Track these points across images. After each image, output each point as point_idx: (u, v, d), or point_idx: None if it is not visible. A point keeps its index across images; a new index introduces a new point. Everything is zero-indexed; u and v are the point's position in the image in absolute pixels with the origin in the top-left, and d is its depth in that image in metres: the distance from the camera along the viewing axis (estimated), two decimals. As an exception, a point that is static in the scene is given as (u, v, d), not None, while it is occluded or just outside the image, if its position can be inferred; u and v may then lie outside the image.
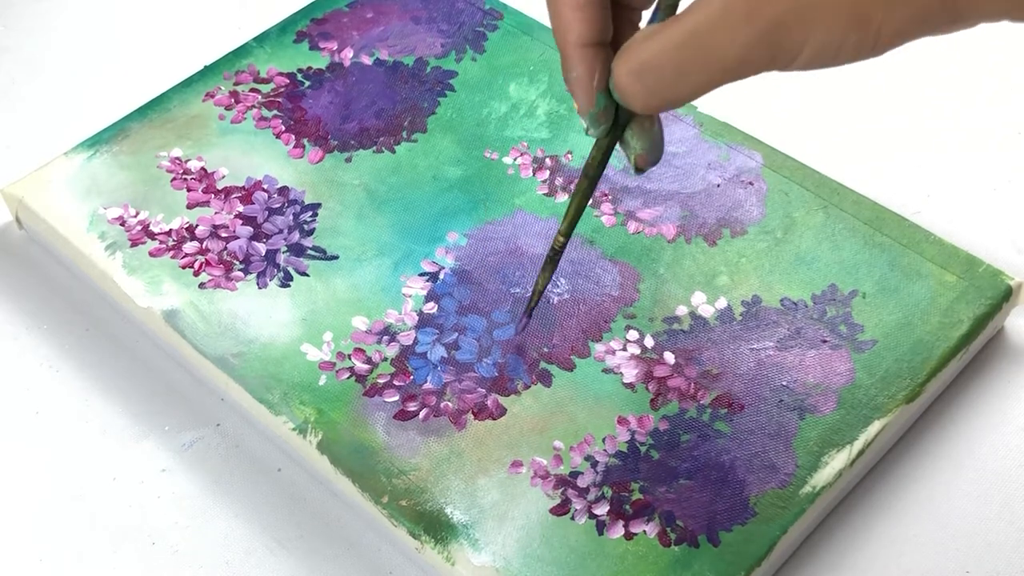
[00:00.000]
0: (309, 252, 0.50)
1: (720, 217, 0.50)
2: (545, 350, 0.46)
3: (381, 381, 0.45)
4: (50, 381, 0.49)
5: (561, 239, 0.42)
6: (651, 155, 0.37)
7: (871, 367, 0.45)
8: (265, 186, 0.52)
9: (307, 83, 0.57)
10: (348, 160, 0.53)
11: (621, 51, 0.34)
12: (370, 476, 0.42)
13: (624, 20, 0.37)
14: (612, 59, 0.35)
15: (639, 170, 0.38)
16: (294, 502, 0.45)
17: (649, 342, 0.46)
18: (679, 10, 0.33)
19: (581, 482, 0.42)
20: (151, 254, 0.50)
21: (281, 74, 0.57)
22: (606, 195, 0.51)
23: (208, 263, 0.49)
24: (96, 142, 0.54)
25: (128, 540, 0.44)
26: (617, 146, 0.38)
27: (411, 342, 0.46)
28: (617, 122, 0.37)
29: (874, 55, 0.31)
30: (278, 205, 0.51)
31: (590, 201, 0.50)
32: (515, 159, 0.53)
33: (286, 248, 0.50)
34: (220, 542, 0.44)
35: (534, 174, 0.52)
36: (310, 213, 0.51)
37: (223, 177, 0.53)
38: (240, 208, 0.51)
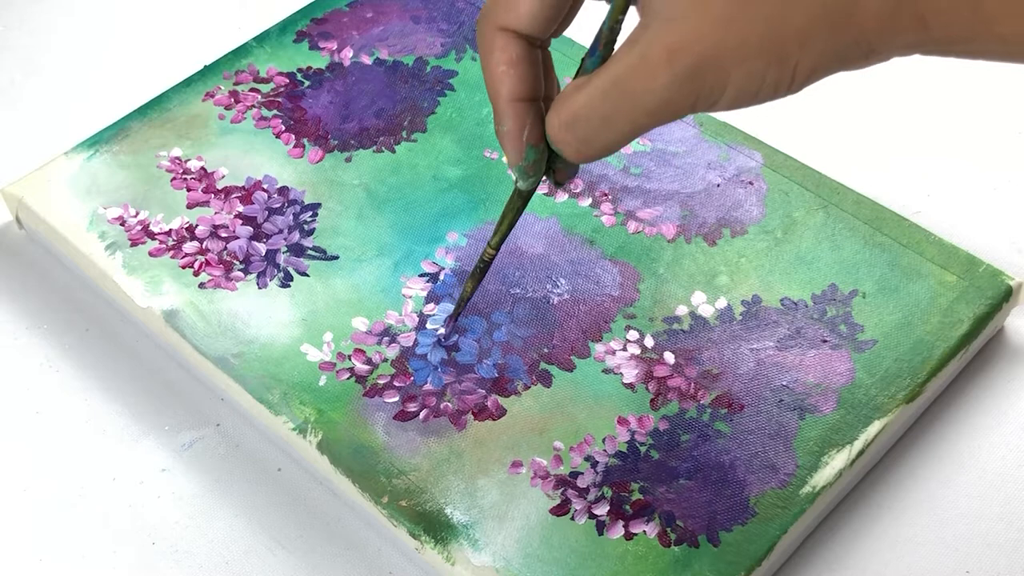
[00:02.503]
0: (309, 252, 0.50)
1: (720, 217, 0.50)
2: (545, 350, 0.46)
3: (381, 382, 0.45)
4: (50, 381, 0.49)
5: (491, 251, 0.43)
6: (571, 171, 0.39)
7: (871, 367, 0.45)
8: (265, 186, 0.52)
9: (307, 83, 0.57)
10: (348, 160, 0.53)
11: (553, 104, 0.35)
12: (370, 476, 0.42)
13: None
14: (542, 113, 0.36)
15: (559, 184, 0.39)
16: (294, 502, 0.45)
17: (649, 342, 0.46)
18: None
19: (581, 482, 0.42)
20: (151, 254, 0.50)
21: (281, 74, 0.57)
22: (606, 195, 0.51)
23: (208, 263, 0.49)
24: (96, 142, 0.54)
25: (128, 540, 0.44)
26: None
27: (411, 343, 0.46)
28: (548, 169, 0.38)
29: (791, 93, 0.32)
30: (278, 205, 0.51)
31: (588, 201, 0.50)
32: (515, 159, 0.53)
33: (286, 248, 0.50)
34: (220, 542, 0.44)
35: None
36: (310, 213, 0.51)
37: (223, 177, 0.53)
38: (240, 208, 0.51)
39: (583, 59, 0.35)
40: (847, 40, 0.31)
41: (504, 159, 0.38)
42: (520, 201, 0.41)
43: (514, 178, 0.38)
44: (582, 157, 0.35)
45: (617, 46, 0.34)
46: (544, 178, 0.39)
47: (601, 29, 0.34)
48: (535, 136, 0.37)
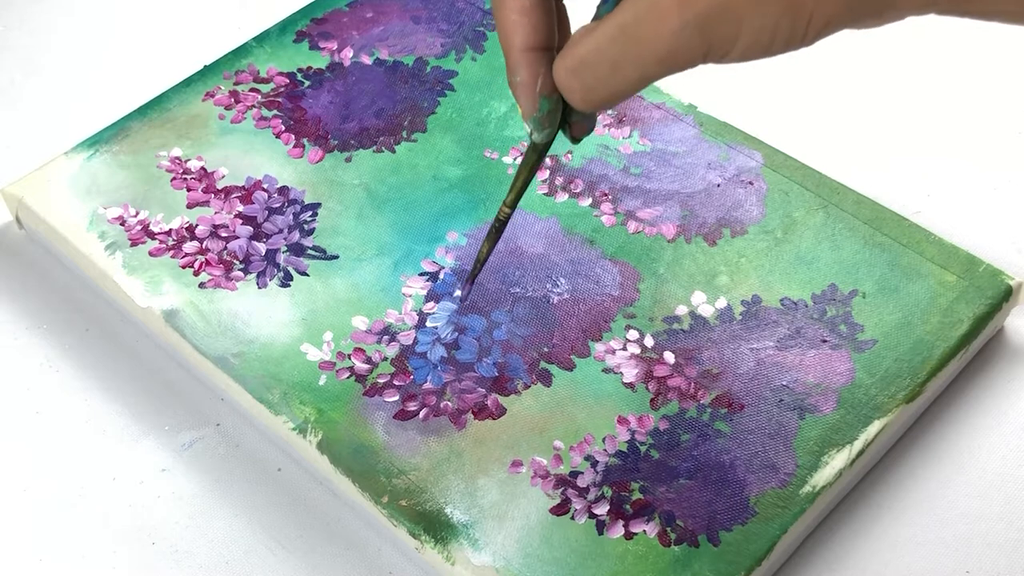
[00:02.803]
0: (309, 252, 0.50)
1: (720, 217, 0.50)
2: (545, 350, 0.46)
3: (381, 381, 0.45)
4: (50, 381, 0.49)
5: (507, 210, 0.42)
6: (589, 124, 0.38)
7: (871, 367, 0.45)
8: (265, 186, 0.52)
9: (307, 83, 0.57)
10: (348, 160, 0.53)
11: (562, 50, 0.34)
12: (370, 476, 0.42)
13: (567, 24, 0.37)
14: (552, 61, 0.35)
15: (575, 139, 0.38)
16: (294, 502, 0.45)
17: (649, 342, 0.46)
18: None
19: (581, 482, 0.42)
20: (151, 254, 0.50)
21: (281, 74, 0.57)
22: (606, 195, 0.51)
23: (208, 263, 0.49)
24: (96, 142, 0.54)
25: (128, 540, 0.44)
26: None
27: (411, 342, 0.46)
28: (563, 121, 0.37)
29: (804, 45, 0.31)
30: (278, 205, 0.51)
31: (588, 201, 0.50)
32: (515, 159, 0.53)
33: (286, 248, 0.50)
34: (220, 542, 0.44)
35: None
36: (310, 213, 0.51)
37: (223, 177, 0.53)
38: (240, 208, 0.51)
39: (598, 6, 0.35)
40: None
41: (519, 111, 0.37)
42: (535, 155, 0.39)
43: (528, 130, 0.37)
44: (588, 104, 0.34)
45: None
46: (560, 132, 0.38)
47: None
48: (548, 86, 0.36)
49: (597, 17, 0.34)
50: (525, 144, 0.53)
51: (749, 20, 0.30)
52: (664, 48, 0.31)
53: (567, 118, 0.37)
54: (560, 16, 0.37)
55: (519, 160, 0.52)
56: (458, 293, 0.46)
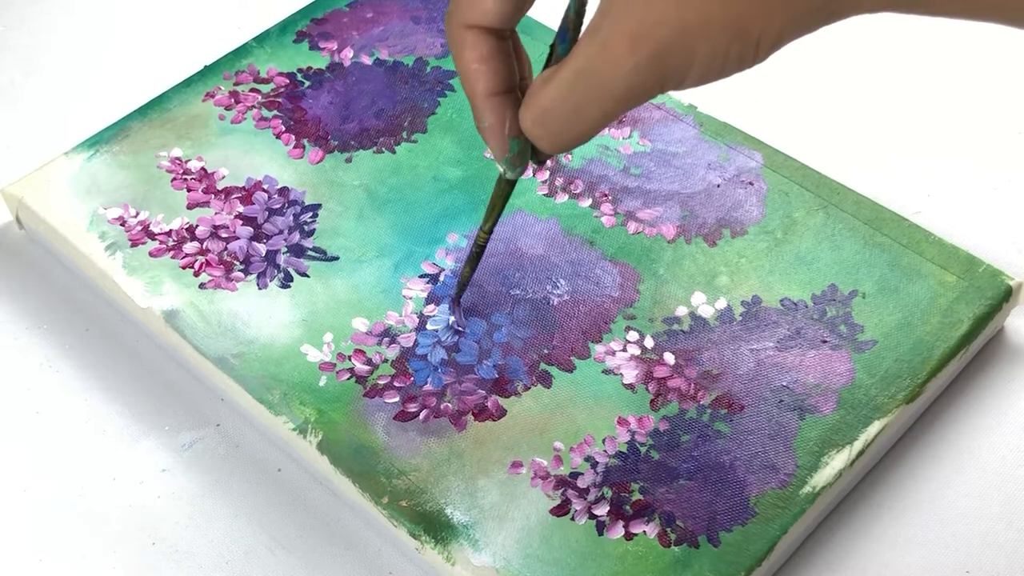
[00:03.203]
0: (309, 253, 0.50)
1: (720, 217, 0.50)
2: (545, 351, 0.46)
3: (381, 382, 0.45)
4: (50, 381, 0.49)
5: (484, 235, 0.44)
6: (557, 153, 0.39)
7: (871, 367, 0.45)
8: (265, 186, 0.52)
9: (307, 83, 0.57)
10: (348, 160, 0.53)
11: (524, 100, 0.35)
12: (370, 476, 0.42)
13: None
14: (517, 104, 0.36)
15: (540, 162, 0.39)
16: (294, 502, 0.45)
17: (649, 343, 0.46)
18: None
19: (581, 483, 0.42)
20: (151, 254, 0.50)
21: (281, 74, 0.57)
22: (606, 195, 0.51)
23: (208, 263, 0.49)
24: (96, 142, 0.54)
25: (128, 540, 0.44)
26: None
27: (411, 344, 0.46)
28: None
29: (757, 62, 0.31)
30: (278, 205, 0.51)
31: (588, 202, 0.50)
32: (515, 159, 0.53)
33: (286, 249, 0.50)
34: (220, 542, 0.44)
35: (534, 175, 0.52)
36: (310, 214, 0.51)
37: (223, 177, 0.53)
38: (240, 208, 0.51)
39: (552, 45, 0.35)
40: (808, 7, 0.30)
41: (489, 154, 0.38)
42: (508, 187, 0.41)
43: (501, 170, 0.39)
44: (558, 148, 0.35)
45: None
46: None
47: (567, 13, 0.34)
48: (516, 128, 0.37)
49: (556, 57, 0.35)
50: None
51: (700, 50, 0.30)
52: (621, 88, 0.31)
53: (536, 152, 0.38)
54: (517, 51, 0.38)
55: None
56: (452, 319, 0.47)
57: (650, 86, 0.31)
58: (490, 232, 0.44)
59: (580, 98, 0.32)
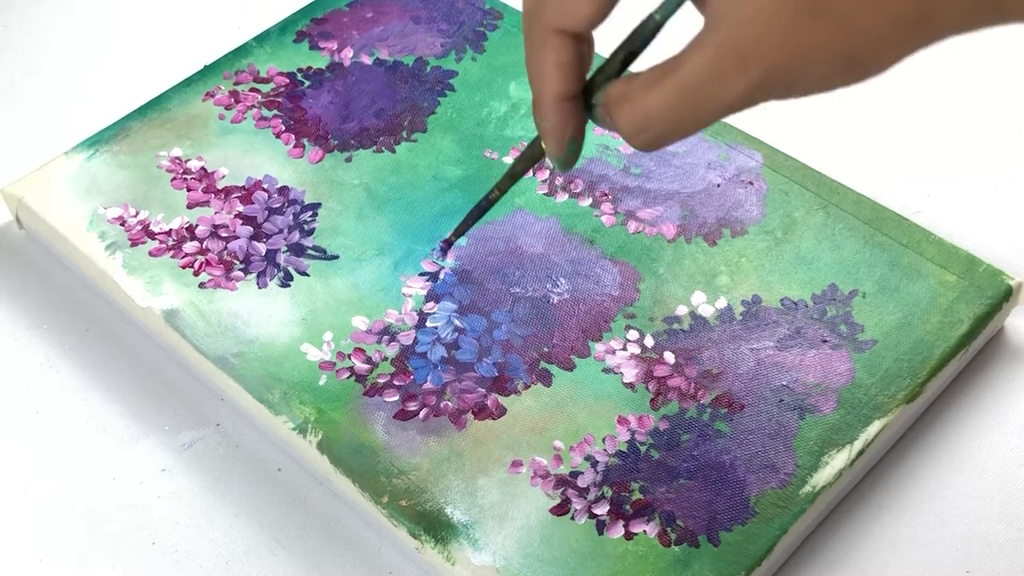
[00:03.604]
0: (309, 252, 0.50)
1: (720, 217, 0.50)
2: (545, 350, 0.46)
3: (381, 381, 0.45)
4: (50, 381, 0.49)
5: (496, 192, 0.44)
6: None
7: (871, 367, 0.45)
8: (265, 186, 0.52)
9: (307, 83, 0.57)
10: (348, 160, 0.53)
11: (617, 104, 0.34)
12: (370, 476, 0.42)
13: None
14: (582, 108, 0.36)
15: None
16: (294, 502, 0.45)
17: (649, 342, 0.46)
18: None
19: (581, 482, 0.42)
20: (151, 254, 0.50)
21: (281, 74, 0.57)
22: (606, 195, 0.51)
23: (208, 263, 0.49)
24: (96, 142, 0.54)
25: (128, 540, 0.44)
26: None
27: (411, 342, 0.46)
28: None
29: (860, 82, 0.32)
30: (278, 205, 0.51)
31: (588, 201, 0.50)
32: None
33: (286, 248, 0.50)
34: (220, 542, 0.44)
35: (534, 174, 0.52)
36: (310, 213, 0.51)
37: (223, 177, 0.53)
38: (240, 208, 0.51)
39: (620, 51, 0.35)
40: (920, 43, 0.31)
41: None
42: (540, 155, 0.41)
43: (551, 166, 0.39)
44: (650, 150, 0.35)
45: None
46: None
47: (652, 20, 0.34)
48: (577, 132, 0.37)
49: (620, 57, 0.35)
50: (525, 144, 0.53)
51: (807, 75, 0.31)
52: (726, 104, 0.32)
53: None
54: (591, 52, 0.37)
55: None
56: (435, 253, 0.48)
57: (753, 102, 0.32)
58: (503, 191, 0.44)
59: (685, 110, 0.33)
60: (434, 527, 0.41)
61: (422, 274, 0.49)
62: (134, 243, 0.50)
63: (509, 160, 0.53)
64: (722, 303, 0.47)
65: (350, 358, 0.46)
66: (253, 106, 0.56)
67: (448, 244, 0.48)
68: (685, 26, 0.35)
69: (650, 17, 0.34)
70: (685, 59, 0.32)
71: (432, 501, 0.42)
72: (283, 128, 0.55)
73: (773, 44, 0.30)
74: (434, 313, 0.47)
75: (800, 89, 0.31)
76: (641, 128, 0.34)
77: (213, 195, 0.52)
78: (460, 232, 0.47)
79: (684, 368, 0.45)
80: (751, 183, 0.51)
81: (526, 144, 0.53)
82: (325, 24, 0.59)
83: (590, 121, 0.37)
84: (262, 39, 0.59)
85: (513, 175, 0.43)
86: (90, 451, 0.46)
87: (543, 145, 0.38)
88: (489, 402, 0.44)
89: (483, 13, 0.59)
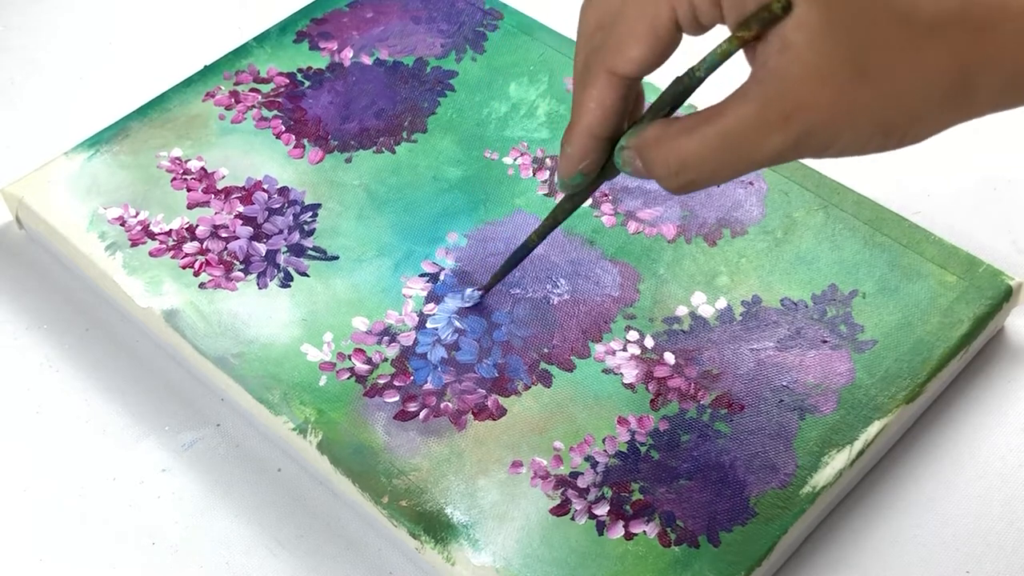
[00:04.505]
0: (309, 252, 0.50)
1: (720, 217, 0.50)
2: (545, 350, 0.46)
3: (381, 382, 0.45)
4: (50, 381, 0.49)
5: (535, 239, 0.44)
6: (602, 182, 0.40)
7: (871, 367, 0.45)
8: (265, 186, 0.52)
9: (307, 83, 0.57)
10: (348, 160, 0.53)
11: (656, 145, 0.35)
12: (370, 476, 0.42)
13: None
14: (608, 150, 0.37)
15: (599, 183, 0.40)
16: (294, 502, 0.45)
17: (649, 342, 0.46)
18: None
19: (581, 482, 0.42)
20: (151, 254, 0.50)
21: (281, 74, 0.57)
22: (606, 195, 0.51)
23: (208, 263, 0.49)
24: (96, 142, 0.54)
25: (128, 540, 0.44)
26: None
27: (411, 343, 0.46)
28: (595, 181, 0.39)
29: (892, 150, 0.33)
30: (278, 205, 0.51)
31: (588, 201, 0.51)
32: (515, 159, 0.53)
33: (286, 248, 0.50)
34: (220, 542, 0.44)
35: (534, 174, 0.52)
36: (310, 213, 0.51)
37: (223, 177, 0.53)
38: (240, 208, 0.51)
39: (657, 103, 0.36)
40: (957, 118, 0.32)
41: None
42: (570, 206, 0.42)
43: (556, 184, 0.39)
44: (682, 193, 0.35)
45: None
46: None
47: (697, 72, 0.34)
48: (591, 168, 0.38)
49: (662, 105, 0.36)
50: (525, 144, 0.53)
51: (844, 136, 0.32)
52: (764, 158, 0.32)
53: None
54: (637, 101, 0.38)
55: (519, 160, 0.53)
56: (472, 292, 0.47)
57: (785, 158, 0.32)
58: (542, 237, 0.44)
59: (722, 158, 0.33)
60: (434, 527, 0.41)
61: (422, 275, 0.49)
62: (134, 243, 0.50)
63: (509, 160, 0.53)
64: (722, 303, 0.47)
65: (350, 359, 0.46)
66: (253, 106, 0.56)
67: (486, 290, 0.47)
68: (718, 83, 0.35)
69: (692, 70, 0.35)
70: (728, 108, 0.32)
71: (432, 501, 0.42)
72: (283, 128, 0.55)
73: (819, 104, 0.31)
74: (434, 314, 0.47)
75: (834, 151, 0.32)
76: (677, 171, 0.34)
77: (213, 195, 0.52)
78: (499, 278, 0.47)
79: (684, 369, 0.45)
80: (751, 183, 0.51)
81: (526, 144, 0.53)
82: (325, 24, 0.59)
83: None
84: (262, 39, 0.59)
85: (555, 220, 0.43)
86: (90, 451, 0.46)
87: (557, 166, 0.38)
88: (489, 403, 0.44)
89: (483, 13, 0.59)
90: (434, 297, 0.48)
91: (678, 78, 0.35)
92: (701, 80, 0.35)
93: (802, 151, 0.32)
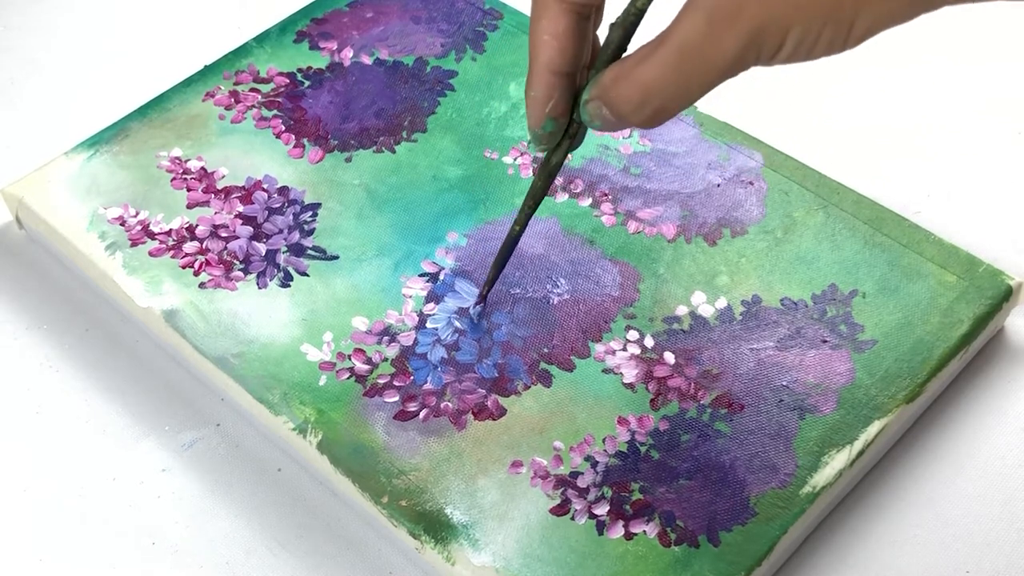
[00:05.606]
0: (309, 252, 0.50)
1: (720, 217, 0.50)
2: (545, 350, 0.46)
3: (381, 381, 0.45)
4: (50, 381, 0.49)
5: (516, 228, 0.44)
6: (578, 143, 0.40)
7: (871, 367, 0.45)
8: (265, 186, 0.52)
9: (307, 83, 0.57)
10: (348, 160, 0.53)
11: (615, 84, 0.34)
12: (370, 476, 0.42)
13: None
14: (572, 88, 0.36)
15: (574, 146, 0.39)
16: (294, 502, 0.45)
17: (649, 342, 0.46)
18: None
19: (581, 482, 0.42)
20: (151, 254, 0.50)
21: (281, 74, 0.57)
22: (606, 195, 0.51)
23: (208, 263, 0.49)
24: (96, 142, 0.54)
25: (128, 540, 0.44)
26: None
27: (411, 343, 0.46)
28: (567, 140, 0.39)
29: (844, 50, 0.32)
30: (278, 205, 0.51)
31: (588, 201, 0.51)
32: (515, 159, 0.53)
33: (286, 248, 0.50)
34: (220, 542, 0.44)
35: (534, 174, 0.52)
36: (310, 213, 0.51)
37: (223, 177, 0.53)
38: (240, 208, 0.51)
39: (606, 47, 0.35)
40: (904, 4, 0.31)
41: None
42: (546, 180, 0.41)
43: (527, 140, 0.38)
44: (654, 124, 0.35)
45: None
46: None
47: (632, 7, 0.34)
48: (559, 110, 0.37)
49: (609, 46, 0.35)
50: (525, 144, 0.53)
51: (794, 31, 0.31)
52: (726, 64, 0.32)
53: (563, 138, 0.39)
54: (593, 46, 0.38)
55: (519, 160, 0.53)
56: (472, 309, 0.47)
57: (747, 61, 0.32)
58: (523, 225, 0.43)
59: (686, 76, 0.33)
60: (434, 527, 0.41)
61: (422, 275, 0.49)
62: (134, 243, 0.50)
63: (509, 160, 0.53)
64: (722, 303, 0.47)
65: (350, 359, 0.46)
66: (253, 106, 0.56)
67: (483, 297, 0.47)
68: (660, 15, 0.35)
69: (630, 5, 0.34)
70: (677, 25, 0.32)
71: (432, 501, 0.42)
72: (283, 128, 0.55)
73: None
74: (434, 314, 0.47)
75: (788, 47, 0.32)
76: (641, 103, 0.34)
77: (213, 195, 0.52)
78: (493, 280, 0.46)
79: (684, 368, 0.45)
80: (751, 183, 0.51)
81: (526, 144, 0.53)
82: (325, 24, 0.59)
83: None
84: (262, 39, 0.59)
85: (533, 203, 0.43)
86: (90, 451, 0.46)
87: (526, 114, 0.38)
88: (489, 403, 0.44)
89: (483, 13, 0.59)
90: (434, 297, 0.48)
91: (615, 22, 0.35)
92: (642, 12, 0.34)
93: (759, 52, 0.32)
